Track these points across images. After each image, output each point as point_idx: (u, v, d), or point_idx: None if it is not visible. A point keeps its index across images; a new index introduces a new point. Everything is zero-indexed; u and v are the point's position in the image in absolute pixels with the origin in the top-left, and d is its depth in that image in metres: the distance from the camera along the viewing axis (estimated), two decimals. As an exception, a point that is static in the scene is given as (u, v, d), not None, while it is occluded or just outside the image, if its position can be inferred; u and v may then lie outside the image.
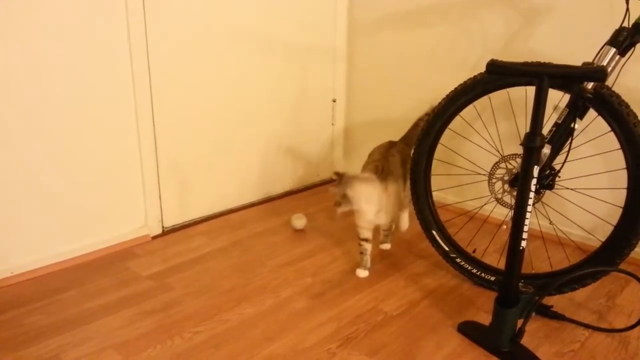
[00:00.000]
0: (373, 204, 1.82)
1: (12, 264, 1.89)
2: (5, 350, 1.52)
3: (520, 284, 1.50)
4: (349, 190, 1.76)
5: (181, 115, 2.29)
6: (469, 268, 1.88)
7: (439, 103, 1.87)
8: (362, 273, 1.96)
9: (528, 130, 1.41)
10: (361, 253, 1.98)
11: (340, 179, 1.79)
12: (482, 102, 2.26)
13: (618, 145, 1.58)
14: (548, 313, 1.70)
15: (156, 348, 1.53)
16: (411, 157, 1.97)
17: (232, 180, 2.58)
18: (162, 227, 2.33)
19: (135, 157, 2.15)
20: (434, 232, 1.94)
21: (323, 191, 2.91)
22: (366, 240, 1.96)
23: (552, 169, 1.70)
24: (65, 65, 1.87)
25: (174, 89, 2.23)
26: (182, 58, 2.22)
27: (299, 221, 2.37)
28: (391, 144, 2.05)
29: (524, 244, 1.47)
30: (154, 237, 2.28)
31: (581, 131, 2.00)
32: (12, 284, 1.88)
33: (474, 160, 2.44)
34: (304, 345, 1.55)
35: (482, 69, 1.74)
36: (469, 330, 1.61)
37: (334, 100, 2.98)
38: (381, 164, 1.90)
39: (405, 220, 2.26)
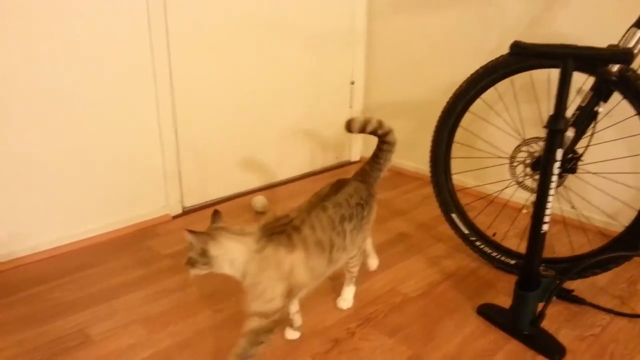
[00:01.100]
0: (236, 269, 1.27)
1: (39, 241, 1.93)
2: (33, 324, 1.56)
3: (541, 267, 1.50)
4: (211, 246, 1.24)
5: (200, 98, 2.30)
6: (489, 251, 1.87)
7: (460, 85, 1.85)
8: None
9: (551, 113, 1.39)
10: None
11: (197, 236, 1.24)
12: (503, 85, 2.24)
13: (644, 129, 1.56)
14: (569, 297, 1.69)
15: (178, 324, 1.56)
16: (368, 203, 1.50)
17: (250, 161, 2.60)
18: (183, 207, 2.35)
19: (155, 139, 2.17)
20: (453, 215, 1.93)
21: (341, 173, 2.91)
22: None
23: (575, 152, 1.68)
24: (87, 51, 1.88)
25: (193, 73, 2.24)
26: (201, 42, 2.23)
27: (260, 203, 2.35)
28: (338, 186, 1.47)
29: (545, 227, 1.46)
30: (175, 217, 2.31)
31: (605, 114, 1.97)
32: (38, 260, 1.92)
33: (495, 143, 2.42)
34: (324, 325, 1.57)
35: (502, 52, 1.72)
36: (489, 313, 1.61)
37: (352, 83, 2.97)
38: (284, 219, 1.34)
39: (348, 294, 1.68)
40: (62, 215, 1.98)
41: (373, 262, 1.87)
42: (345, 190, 1.45)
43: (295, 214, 1.35)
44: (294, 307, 1.51)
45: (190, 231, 1.23)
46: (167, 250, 2.00)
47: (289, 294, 1.30)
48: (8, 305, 1.65)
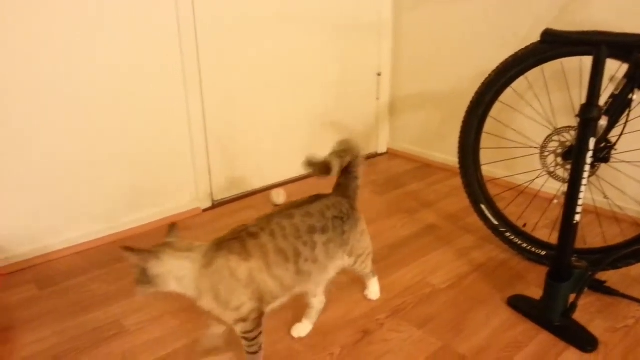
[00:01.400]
0: (186, 287, 1.20)
1: (72, 235, 1.99)
2: (71, 315, 1.61)
3: (573, 258, 1.48)
4: (152, 264, 1.17)
5: (228, 92, 2.32)
6: (519, 242, 1.85)
7: (489, 75, 1.83)
8: None
9: (583, 101, 1.37)
10: None
11: (140, 254, 1.17)
12: (533, 73, 2.20)
13: (680, 117, 1.52)
14: (601, 288, 1.67)
15: (210, 316, 1.59)
16: (351, 217, 1.42)
17: (277, 154, 2.61)
18: (212, 200, 2.39)
19: (185, 133, 2.20)
20: (482, 206, 1.92)
21: (368, 165, 2.91)
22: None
23: (608, 141, 1.65)
24: (115, 48, 1.92)
25: (221, 66, 2.26)
26: (229, 36, 2.25)
27: (277, 196, 2.37)
28: (316, 198, 1.41)
29: (578, 218, 1.44)
30: (205, 210, 2.34)
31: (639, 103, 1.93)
32: (72, 254, 1.98)
33: (525, 133, 2.38)
34: (353, 316, 1.58)
35: (533, 40, 1.69)
36: (520, 304, 1.60)
37: (379, 74, 2.96)
38: (239, 231, 1.26)
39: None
40: (95, 209, 2.03)
41: (302, 329, 1.51)
42: (322, 202, 1.38)
43: (255, 222, 1.28)
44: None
45: (129, 249, 1.16)
46: (198, 242, 2.03)
47: (261, 300, 1.24)
48: (46, 297, 1.71)
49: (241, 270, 1.20)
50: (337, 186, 1.49)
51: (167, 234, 1.28)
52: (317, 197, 1.41)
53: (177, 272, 1.18)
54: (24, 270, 1.88)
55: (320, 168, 1.38)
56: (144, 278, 1.17)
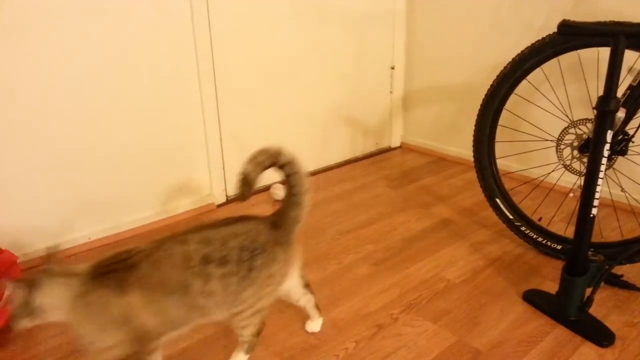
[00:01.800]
0: (65, 316, 1.08)
1: (89, 231, 2.01)
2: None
3: (589, 252, 1.46)
4: (36, 294, 1.05)
5: (242, 87, 2.32)
6: (535, 236, 1.84)
7: (505, 67, 1.81)
8: None
9: (600, 93, 1.35)
10: None
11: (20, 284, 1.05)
12: (550, 65, 2.18)
13: (700, 108, 1.49)
14: (618, 282, 1.65)
15: (225, 310, 1.60)
16: (268, 253, 1.19)
17: (291, 149, 2.61)
18: (226, 195, 2.40)
19: (200, 130, 2.21)
20: (497, 200, 1.90)
21: (381, 160, 2.90)
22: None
23: (626, 133, 1.63)
24: (130, 47, 1.93)
25: (235, 62, 2.26)
26: (242, 29, 2.25)
27: (276, 192, 2.38)
28: (232, 221, 1.22)
29: (594, 211, 1.42)
30: (219, 205, 2.36)
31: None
32: (89, 250, 2.00)
33: (541, 125, 2.36)
34: (367, 310, 1.58)
35: (549, 31, 1.67)
36: (535, 298, 1.59)
37: (393, 68, 2.94)
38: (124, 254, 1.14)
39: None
40: (112, 205, 2.05)
41: (314, 325, 1.50)
42: (233, 228, 1.17)
43: (144, 247, 1.14)
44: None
45: (11, 280, 1.05)
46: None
47: (140, 341, 1.10)
48: (64, 291, 1.73)
49: (114, 307, 1.07)
50: (277, 210, 1.26)
51: (47, 260, 1.13)
52: (233, 220, 1.20)
53: (56, 301, 1.07)
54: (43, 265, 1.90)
55: (242, 185, 1.20)
56: (25, 311, 1.05)
